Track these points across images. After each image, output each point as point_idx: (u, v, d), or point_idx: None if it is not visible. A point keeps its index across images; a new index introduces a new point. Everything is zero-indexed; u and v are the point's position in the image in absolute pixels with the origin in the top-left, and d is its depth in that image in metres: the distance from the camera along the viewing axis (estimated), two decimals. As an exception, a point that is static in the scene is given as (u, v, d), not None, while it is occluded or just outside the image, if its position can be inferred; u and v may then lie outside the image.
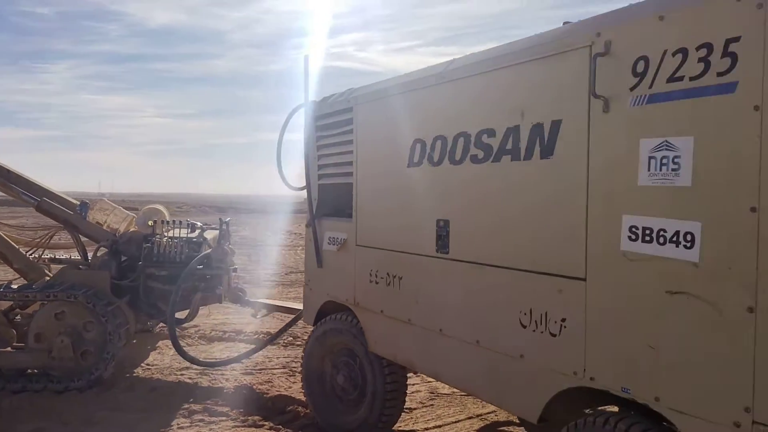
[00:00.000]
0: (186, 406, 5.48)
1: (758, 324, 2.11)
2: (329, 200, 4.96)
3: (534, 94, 3.03)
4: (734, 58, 2.17)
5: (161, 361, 6.86)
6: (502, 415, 5.26)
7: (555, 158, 2.91)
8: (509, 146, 3.17)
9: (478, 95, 3.43)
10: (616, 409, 2.85)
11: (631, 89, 2.52)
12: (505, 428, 5.12)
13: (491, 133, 3.29)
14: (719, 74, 2.21)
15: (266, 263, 15.49)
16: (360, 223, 4.50)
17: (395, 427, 4.74)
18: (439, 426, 5.11)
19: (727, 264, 2.20)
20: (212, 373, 6.37)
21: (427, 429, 5.05)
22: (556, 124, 2.90)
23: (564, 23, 3.08)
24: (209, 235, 6.80)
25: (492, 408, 5.39)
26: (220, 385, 6.07)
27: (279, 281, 12.85)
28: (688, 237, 2.33)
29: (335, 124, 4.76)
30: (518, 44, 3.23)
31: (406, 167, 3.98)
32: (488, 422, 5.21)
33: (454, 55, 3.76)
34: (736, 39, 2.16)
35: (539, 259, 3.01)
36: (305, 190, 5.09)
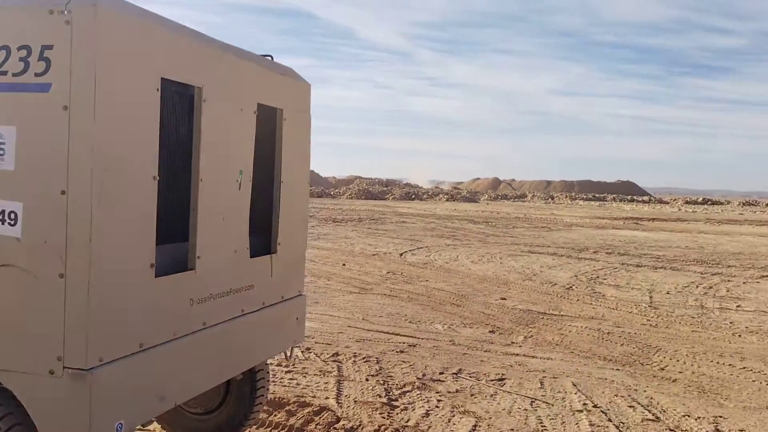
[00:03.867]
0: None
1: (67, 286, 2.56)
2: None
3: None
4: (48, 62, 2.54)
5: None
6: None
7: None
8: None
9: None
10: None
11: (-39, 76, 2.62)
12: None
13: None
14: (37, 74, 2.55)
15: None
16: None
17: None
18: None
19: (44, 238, 2.58)
20: None
21: None
22: None
23: None
24: None
25: None
26: None
27: None
28: (12, 215, 2.61)
29: None
30: None
31: None
32: None
33: None
34: (50, 46, 2.53)
35: None
36: None
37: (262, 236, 4.04)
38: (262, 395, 4.44)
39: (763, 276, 14.42)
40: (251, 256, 3.78)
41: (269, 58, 4.12)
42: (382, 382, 5.98)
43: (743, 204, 74.64)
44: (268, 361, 5.98)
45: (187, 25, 3.29)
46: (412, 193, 64.20)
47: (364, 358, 6.69)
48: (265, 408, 5.06)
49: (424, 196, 63.34)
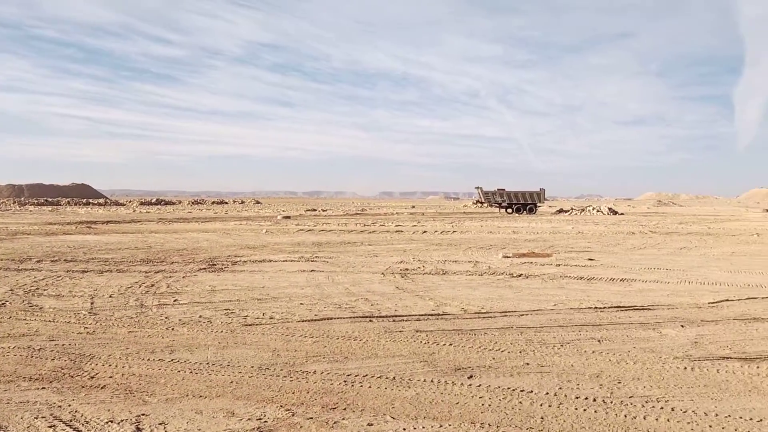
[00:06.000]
0: None
1: None
2: None
3: None
4: None
5: None
6: None
7: None
8: None
9: None
10: None
11: None
12: None
13: None
14: None
15: None
16: None
17: None
18: None
19: None
20: None
21: None
22: None
23: None
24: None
25: None
26: None
27: None
28: None
29: None
30: None
31: None
32: None
33: None
34: None
35: None
36: None
37: None
38: None
39: (201, 269, 15.79)
40: None
41: None
42: None
43: (192, 203, 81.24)
44: None
45: None
46: None
47: None
48: None
49: None
